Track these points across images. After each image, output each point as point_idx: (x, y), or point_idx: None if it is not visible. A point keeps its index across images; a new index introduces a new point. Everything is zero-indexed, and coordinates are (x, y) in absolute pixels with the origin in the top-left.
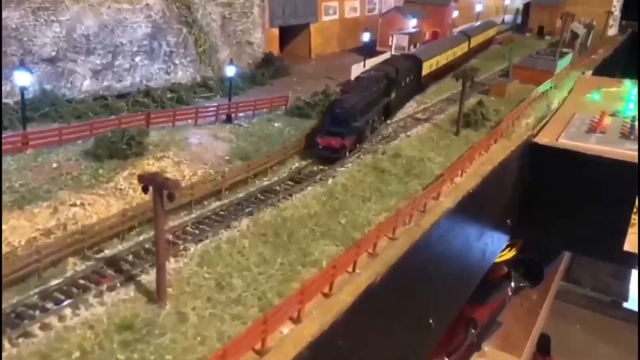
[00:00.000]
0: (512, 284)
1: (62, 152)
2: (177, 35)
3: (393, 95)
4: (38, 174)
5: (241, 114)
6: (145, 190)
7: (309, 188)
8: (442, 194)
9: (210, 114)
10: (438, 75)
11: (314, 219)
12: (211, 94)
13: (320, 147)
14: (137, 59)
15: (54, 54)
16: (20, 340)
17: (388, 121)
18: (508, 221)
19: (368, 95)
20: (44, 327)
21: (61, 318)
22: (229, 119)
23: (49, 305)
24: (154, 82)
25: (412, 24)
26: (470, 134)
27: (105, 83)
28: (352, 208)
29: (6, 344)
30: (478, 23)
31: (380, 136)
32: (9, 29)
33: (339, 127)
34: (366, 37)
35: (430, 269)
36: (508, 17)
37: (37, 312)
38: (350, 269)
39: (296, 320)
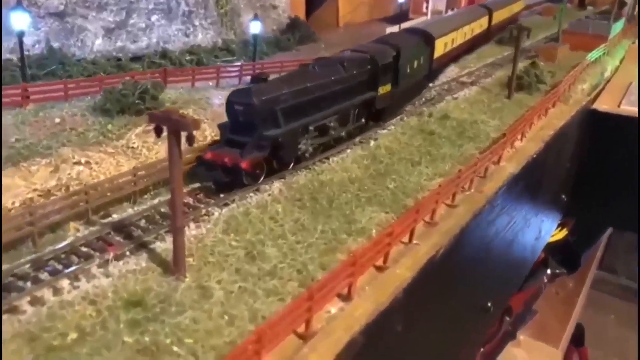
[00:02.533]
0: (549, 271)
1: (67, 107)
2: None
3: (386, 87)
4: (38, 129)
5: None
6: (158, 132)
7: (348, 151)
8: (503, 158)
9: (233, 74)
10: (452, 59)
11: (357, 183)
12: (233, 57)
13: (206, 161)
14: (154, 18)
15: (62, 7)
16: (4, 317)
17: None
18: (563, 196)
19: (314, 86)
20: (35, 301)
21: (57, 291)
22: (253, 80)
23: (43, 275)
24: (171, 44)
25: None
26: (523, 97)
27: (119, 43)
28: (401, 172)
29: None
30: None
31: (423, 99)
32: None
33: (241, 134)
34: None
35: (491, 244)
36: None
37: (28, 284)
38: (406, 239)
39: (346, 298)
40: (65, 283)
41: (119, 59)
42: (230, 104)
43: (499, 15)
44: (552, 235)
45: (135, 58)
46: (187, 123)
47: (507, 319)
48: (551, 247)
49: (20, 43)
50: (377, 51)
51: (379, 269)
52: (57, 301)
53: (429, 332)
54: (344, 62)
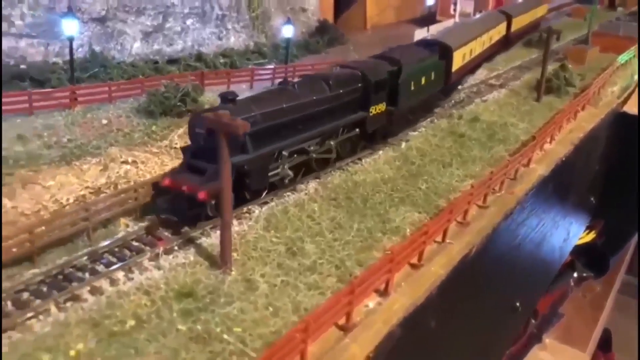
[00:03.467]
0: (575, 274)
1: (112, 109)
2: None
3: (380, 106)
4: (87, 129)
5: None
6: (210, 133)
7: (380, 152)
8: (532, 160)
9: (266, 77)
10: (470, 70)
11: (389, 183)
12: (265, 60)
13: (160, 189)
14: (189, 21)
15: (103, 12)
16: (68, 304)
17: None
18: (592, 199)
19: (291, 107)
20: (95, 291)
21: (113, 282)
22: (284, 81)
23: (99, 267)
24: (205, 47)
25: None
26: (553, 100)
27: (156, 46)
28: (432, 173)
29: (53, 308)
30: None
31: (452, 101)
32: None
33: (203, 160)
34: (430, 0)
35: (520, 245)
36: None
37: (87, 275)
38: (439, 239)
39: (383, 293)
40: (120, 275)
41: (156, 62)
42: (191, 126)
43: (520, 21)
44: (580, 238)
45: (172, 61)
46: (236, 125)
47: (533, 321)
48: (579, 250)
49: (70, 47)
50: (370, 67)
51: (414, 266)
52: (114, 291)
53: (460, 329)
54: (330, 80)
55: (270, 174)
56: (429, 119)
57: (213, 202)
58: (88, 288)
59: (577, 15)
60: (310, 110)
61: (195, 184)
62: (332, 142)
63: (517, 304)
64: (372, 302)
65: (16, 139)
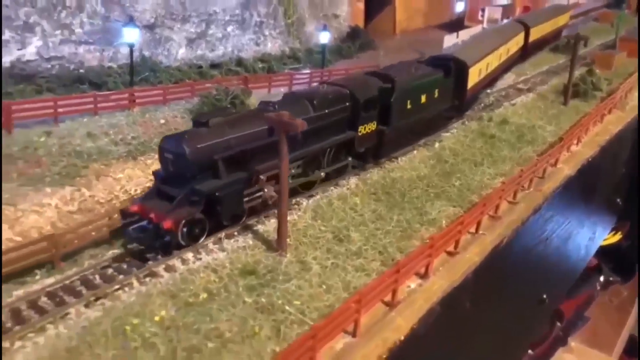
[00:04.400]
0: (602, 278)
1: (167, 110)
2: (267, 5)
3: (371, 126)
4: (147, 128)
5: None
6: (271, 131)
7: (415, 152)
8: (559, 160)
9: (304, 80)
10: (486, 84)
11: (425, 180)
12: (300, 64)
13: (129, 214)
14: (229, 28)
15: (152, 20)
16: (147, 279)
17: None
18: (618, 200)
19: (271, 129)
20: (169, 268)
21: (184, 261)
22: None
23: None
24: (244, 53)
25: None
26: (579, 104)
27: (199, 52)
28: (465, 171)
29: (135, 282)
30: (545, 7)
31: (482, 104)
32: None
33: (172, 185)
34: (460, 6)
35: (548, 240)
36: None
37: (159, 255)
38: (473, 230)
39: (424, 276)
40: (190, 255)
41: (200, 66)
42: (160, 151)
43: (538, 31)
44: (606, 239)
45: (214, 65)
46: (295, 124)
47: (558, 324)
48: (605, 253)
49: (131, 53)
50: (359, 85)
51: (450, 254)
52: (185, 269)
53: (492, 314)
54: (314, 99)
55: (246, 199)
56: (460, 121)
57: (185, 229)
58: (163, 266)
59: (604, 20)
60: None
61: (162, 212)
62: (317, 164)
63: (544, 296)
64: (413, 283)
65: (86, 136)
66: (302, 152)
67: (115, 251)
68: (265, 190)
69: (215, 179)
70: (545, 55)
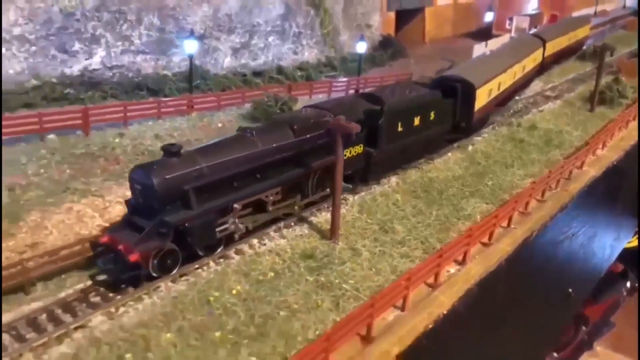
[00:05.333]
0: (628, 284)
1: (221, 115)
2: (305, 17)
3: (357, 148)
4: (206, 131)
5: (366, 89)
6: (329, 134)
7: (449, 154)
8: (585, 163)
9: (341, 88)
10: (499, 103)
11: (460, 180)
12: (335, 72)
13: (99, 245)
14: (270, 38)
15: (202, 31)
16: (221, 260)
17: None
18: None
19: (246, 157)
20: (238, 252)
21: (251, 246)
22: (356, 92)
23: (236, 236)
24: (284, 61)
25: (532, 5)
26: (605, 111)
27: (243, 61)
28: (496, 172)
29: (211, 263)
30: (564, 19)
31: (511, 110)
32: (167, 8)
33: (141, 216)
34: (489, 16)
35: (574, 237)
36: (630, 1)
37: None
38: (505, 224)
39: (462, 262)
40: (255, 241)
41: (244, 74)
42: (130, 180)
43: (555, 46)
44: (630, 242)
45: (256, 73)
46: (351, 127)
47: (584, 328)
48: (630, 257)
49: (190, 63)
50: (343, 108)
51: (485, 244)
52: (252, 253)
53: (522, 301)
54: (295, 124)
55: (219, 229)
56: (490, 127)
57: (155, 261)
58: (234, 250)
59: (632, 28)
60: (268, 158)
61: (130, 244)
62: (300, 188)
63: (570, 291)
64: (452, 268)
65: (154, 137)
66: (280, 179)
67: None
68: (232, 224)
69: (186, 210)
70: (572, 63)
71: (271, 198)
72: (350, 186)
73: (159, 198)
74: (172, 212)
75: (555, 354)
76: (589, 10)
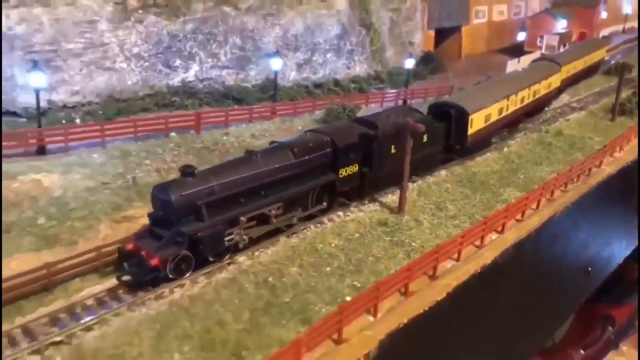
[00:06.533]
0: None
1: (298, 120)
2: (357, 36)
3: (352, 168)
4: (290, 133)
5: (413, 100)
6: (401, 131)
7: (488, 154)
8: (603, 163)
9: (391, 98)
10: (504, 126)
11: (497, 174)
12: (383, 84)
13: (125, 252)
14: (328, 55)
15: (274, 50)
16: (319, 224)
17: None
18: None
19: (250, 177)
20: (330, 220)
21: (338, 216)
22: (404, 103)
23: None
24: (338, 75)
25: (561, 25)
26: (625, 120)
27: (305, 75)
28: (527, 169)
29: (312, 226)
30: (582, 43)
31: (541, 119)
32: (247, 30)
33: (161, 227)
34: (521, 36)
35: (593, 222)
36: None
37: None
38: (534, 207)
39: (501, 232)
40: (341, 213)
41: (307, 87)
42: (152, 197)
43: (570, 69)
44: None
45: (316, 85)
46: (418, 127)
47: (610, 328)
48: None
49: (275, 77)
50: (340, 132)
51: (518, 220)
52: (340, 221)
53: (548, 264)
54: (295, 147)
55: (227, 238)
56: (522, 132)
57: (171, 265)
58: (326, 218)
59: None
60: (270, 178)
61: (151, 250)
62: (300, 203)
63: (590, 269)
64: (493, 236)
65: (251, 136)
66: (282, 195)
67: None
68: (237, 235)
69: (198, 222)
70: (598, 78)
71: (273, 212)
72: (347, 201)
73: (176, 212)
74: (187, 223)
75: (582, 351)
76: (618, 28)
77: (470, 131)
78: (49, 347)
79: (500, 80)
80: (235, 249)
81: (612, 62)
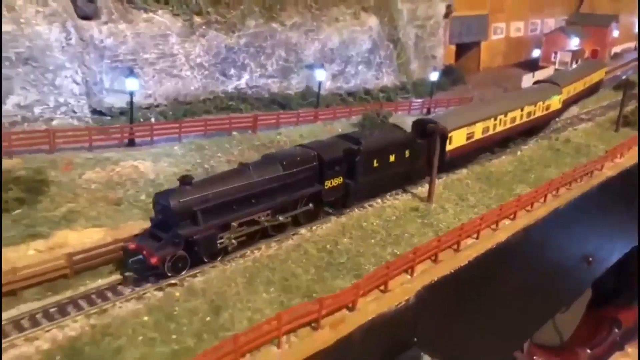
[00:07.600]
0: None
1: (337, 124)
2: (386, 50)
3: (337, 180)
4: (332, 133)
5: (437, 109)
6: (429, 133)
7: (503, 157)
8: (605, 167)
9: (417, 107)
10: (493, 143)
11: (511, 173)
12: (409, 95)
13: (129, 250)
14: (360, 67)
15: (312, 62)
16: (368, 207)
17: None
18: None
19: (242, 187)
20: (371, 206)
21: (377, 203)
22: (428, 112)
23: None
24: (368, 85)
25: (574, 42)
26: (628, 131)
27: (338, 84)
28: (538, 170)
29: (355, 209)
30: (581, 64)
31: (551, 129)
32: (291, 44)
33: (161, 230)
34: (536, 52)
35: (596, 216)
36: None
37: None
38: (542, 200)
39: (513, 219)
40: (379, 200)
41: (341, 95)
42: (154, 202)
43: (570, 90)
44: None
45: (349, 94)
46: (445, 130)
47: (616, 330)
48: None
49: (319, 87)
50: (326, 147)
51: (528, 210)
52: (378, 206)
53: (552, 249)
54: (284, 160)
55: (219, 241)
56: (534, 139)
57: (169, 264)
58: (367, 204)
59: None
60: (260, 187)
61: (152, 250)
62: (285, 212)
63: (590, 258)
64: (507, 221)
65: (299, 137)
66: (269, 204)
67: None
68: (226, 239)
69: (194, 225)
70: (607, 93)
71: (263, 218)
72: (331, 211)
73: (175, 216)
74: (184, 227)
75: (588, 350)
76: (630, 45)
77: (449, 147)
78: (168, 286)
79: (491, 101)
80: (226, 252)
81: (623, 76)
